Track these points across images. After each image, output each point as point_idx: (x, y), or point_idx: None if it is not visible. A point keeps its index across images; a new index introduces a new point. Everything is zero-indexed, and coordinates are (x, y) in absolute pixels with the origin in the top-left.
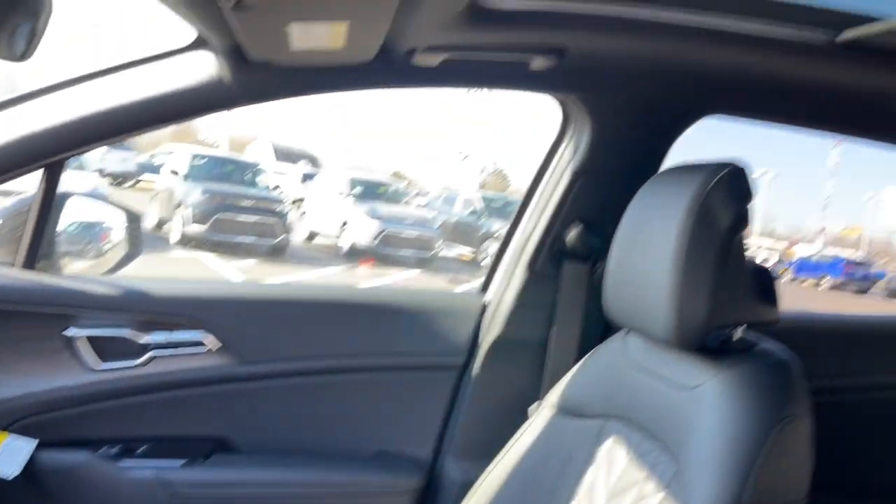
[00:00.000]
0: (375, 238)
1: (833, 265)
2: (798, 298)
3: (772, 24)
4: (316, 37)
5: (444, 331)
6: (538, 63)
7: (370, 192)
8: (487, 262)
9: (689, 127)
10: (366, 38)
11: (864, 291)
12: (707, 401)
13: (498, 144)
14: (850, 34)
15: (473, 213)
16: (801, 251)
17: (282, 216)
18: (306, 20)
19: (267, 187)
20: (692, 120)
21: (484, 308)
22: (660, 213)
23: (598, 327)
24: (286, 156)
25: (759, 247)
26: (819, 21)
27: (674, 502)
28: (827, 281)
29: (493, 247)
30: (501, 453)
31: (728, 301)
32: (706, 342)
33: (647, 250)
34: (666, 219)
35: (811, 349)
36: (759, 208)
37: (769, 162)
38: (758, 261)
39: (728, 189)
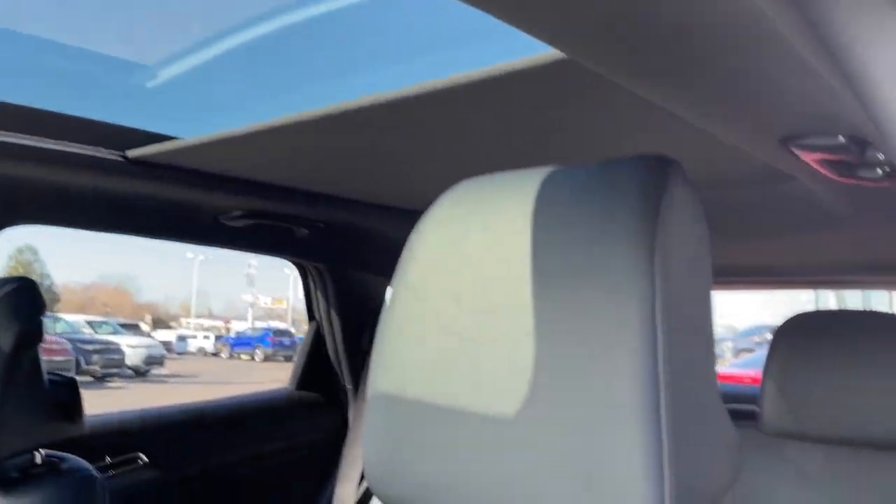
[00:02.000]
0: None
1: (262, 337)
2: (244, 373)
3: (62, 144)
4: None
5: None
6: None
7: None
8: None
9: None
10: None
11: (290, 358)
12: None
13: None
14: (136, 153)
15: None
16: (238, 327)
17: None
18: None
19: None
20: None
21: None
22: None
23: None
24: None
25: (200, 326)
26: (108, 140)
27: None
28: (261, 352)
29: None
30: None
31: (20, 425)
32: (4, 473)
33: None
34: None
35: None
36: (194, 290)
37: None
38: (200, 340)
39: (13, 308)
